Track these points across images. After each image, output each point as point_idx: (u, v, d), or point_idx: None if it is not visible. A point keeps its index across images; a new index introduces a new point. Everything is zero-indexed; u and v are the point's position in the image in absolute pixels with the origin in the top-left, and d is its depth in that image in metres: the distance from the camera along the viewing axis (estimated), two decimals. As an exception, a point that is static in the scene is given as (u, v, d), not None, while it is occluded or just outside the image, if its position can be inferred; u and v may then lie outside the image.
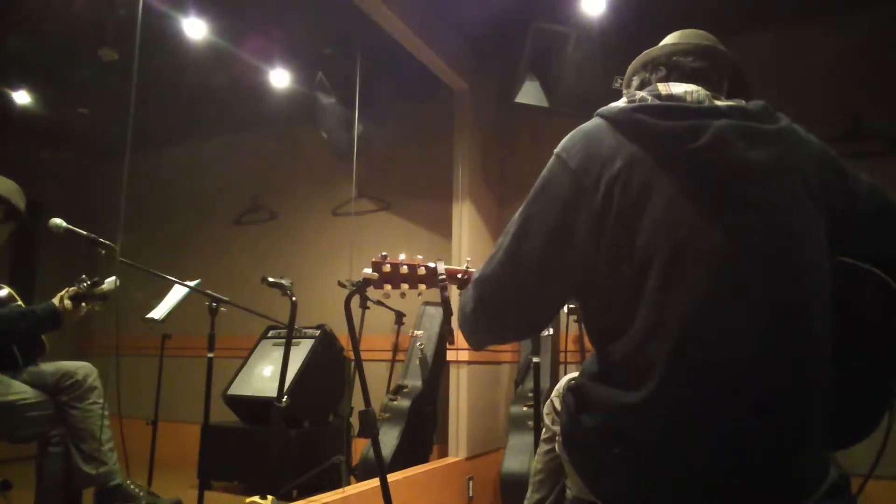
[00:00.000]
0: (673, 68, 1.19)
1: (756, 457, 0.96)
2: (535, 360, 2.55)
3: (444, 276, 1.53)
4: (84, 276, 2.15)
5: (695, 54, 1.19)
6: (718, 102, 1.10)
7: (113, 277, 2.16)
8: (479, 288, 1.18)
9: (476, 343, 1.28)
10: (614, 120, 1.09)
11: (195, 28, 3.19)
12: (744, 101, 1.11)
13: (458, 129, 3.58)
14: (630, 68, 1.28)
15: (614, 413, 1.02)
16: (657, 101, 1.09)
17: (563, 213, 1.06)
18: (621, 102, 1.13)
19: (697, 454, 0.97)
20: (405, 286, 1.53)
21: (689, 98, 1.10)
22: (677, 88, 1.12)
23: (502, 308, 1.17)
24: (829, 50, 3.28)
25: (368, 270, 1.51)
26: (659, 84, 1.15)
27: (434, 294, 1.56)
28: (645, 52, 1.25)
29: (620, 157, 1.04)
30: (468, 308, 1.22)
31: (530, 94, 3.24)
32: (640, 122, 1.05)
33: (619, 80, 3.04)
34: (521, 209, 1.14)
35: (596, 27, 3.02)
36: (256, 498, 2.25)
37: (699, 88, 1.12)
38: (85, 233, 2.22)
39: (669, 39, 1.27)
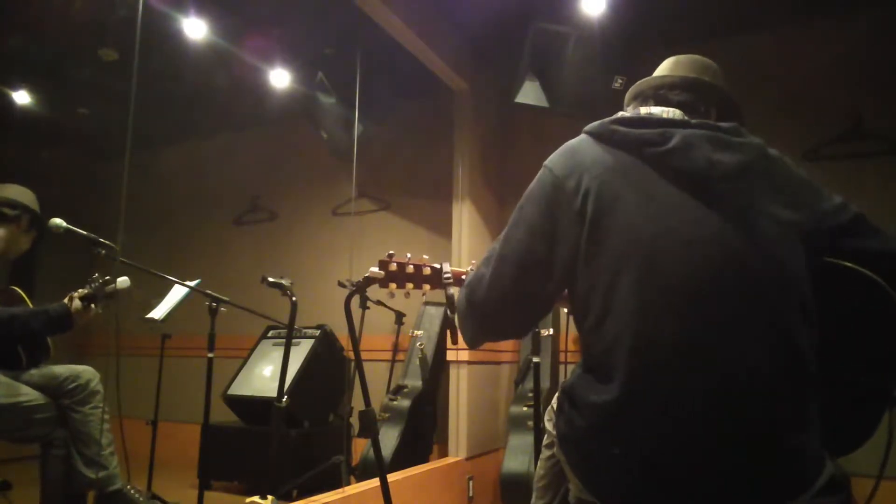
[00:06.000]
0: (660, 101, 1.25)
1: (750, 449, 0.97)
2: (535, 360, 2.55)
3: (449, 277, 1.54)
4: (96, 275, 2.15)
5: (681, 87, 1.25)
6: (691, 120, 1.18)
7: (124, 277, 2.16)
8: (470, 286, 1.25)
9: (471, 341, 1.31)
10: (595, 133, 1.19)
11: (195, 28, 3.19)
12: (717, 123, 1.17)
13: (458, 129, 3.58)
14: (625, 98, 1.35)
15: (597, 411, 1.05)
16: (633, 115, 1.19)
17: (547, 211, 1.14)
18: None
19: (692, 450, 0.98)
20: (410, 286, 1.54)
21: (664, 115, 1.20)
22: (655, 110, 1.23)
23: (491, 305, 1.21)
24: (829, 50, 3.28)
25: (375, 269, 1.53)
26: (642, 108, 1.25)
27: (435, 294, 1.56)
28: (637, 82, 1.32)
29: (599, 163, 1.13)
30: (461, 307, 1.28)
31: (530, 94, 3.24)
32: (616, 131, 1.16)
33: (620, 80, 3.06)
34: (512, 215, 1.21)
35: (596, 27, 3.02)
36: (256, 498, 2.25)
37: (676, 109, 1.22)
38: (85, 233, 2.22)
39: (661, 70, 1.34)
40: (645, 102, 1.27)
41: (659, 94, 1.25)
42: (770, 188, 1.10)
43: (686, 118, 1.18)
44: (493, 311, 1.22)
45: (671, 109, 1.22)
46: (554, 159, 1.19)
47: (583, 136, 1.21)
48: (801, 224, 1.10)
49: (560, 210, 1.12)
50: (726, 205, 1.06)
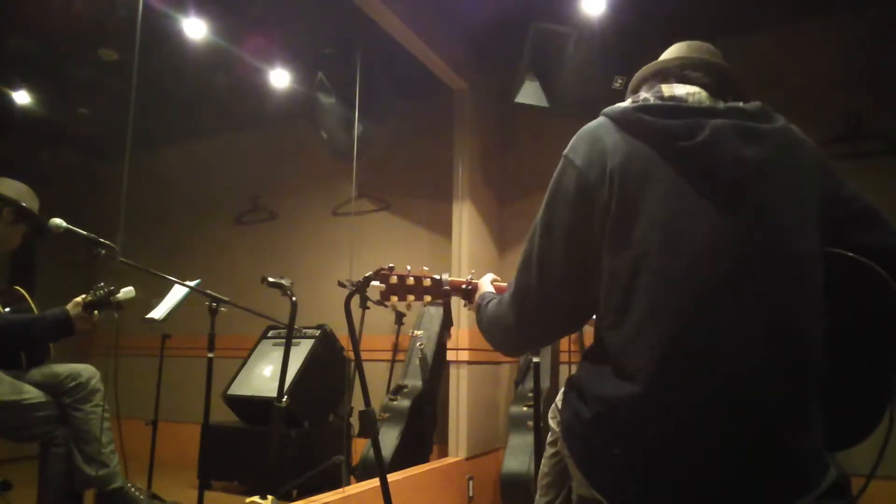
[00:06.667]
0: (683, 80, 1.21)
1: (752, 450, 0.97)
2: (535, 360, 2.54)
3: (448, 288, 1.53)
4: (102, 283, 2.14)
5: (705, 70, 1.21)
6: (718, 105, 1.14)
7: (129, 287, 2.15)
8: (519, 300, 1.21)
9: (514, 351, 1.36)
10: (617, 119, 1.13)
11: (195, 28, 3.19)
12: (741, 103, 1.14)
13: (458, 129, 3.58)
14: (639, 75, 1.30)
15: (608, 405, 1.05)
16: (659, 102, 1.13)
17: (577, 211, 1.11)
18: (626, 103, 1.16)
19: (694, 449, 0.97)
20: (410, 297, 1.52)
21: (690, 99, 1.15)
22: (680, 90, 1.17)
23: (546, 313, 1.19)
24: (829, 50, 3.28)
25: (376, 283, 1.51)
26: (663, 86, 1.19)
27: (435, 294, 1.55)
28: (655, 62, 1.28)
29: (621, 151, 1.09)
30: (511, 320, 1.24)
31: (530, 94, 3.24)
32: (641, 120, 1.10)
33: (619, 80, 3.05)
34: (539, 215, 1.17)
35: (596, 27, 3.02)
36: (256, 498, 2.26)
37: (701, 90, 1.17)
38: (85, 233, 2.22)
39: (677, 52, 1.29)
40: (666, 80, 1.22)
41: (683, 75, 1.21)
42: (794, 178, 1.08)
43: (712, 102, 1.15)
44: (547, 319, 1.20)
45: (696, 90, 1.16)
46: (574, 147, 1.15)
47: (603, 119, 1.16)
48: (818, 213, 1.09)
49: (588, 206, 1.09)
50: (749, 202, 1.04)
